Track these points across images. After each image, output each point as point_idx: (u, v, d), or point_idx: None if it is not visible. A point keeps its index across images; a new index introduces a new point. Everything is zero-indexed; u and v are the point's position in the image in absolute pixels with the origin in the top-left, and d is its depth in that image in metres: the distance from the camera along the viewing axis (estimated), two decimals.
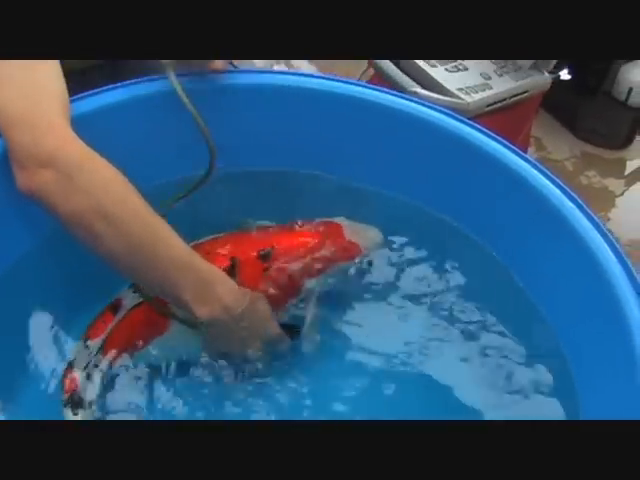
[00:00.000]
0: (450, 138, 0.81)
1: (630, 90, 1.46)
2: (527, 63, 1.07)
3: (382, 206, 0.88)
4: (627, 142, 1.56)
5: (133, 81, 0.80)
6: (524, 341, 0.78)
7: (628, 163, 1.54)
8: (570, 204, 0.73)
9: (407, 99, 0.84)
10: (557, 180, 0.75)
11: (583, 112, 1.53)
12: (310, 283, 0.80)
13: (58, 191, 0.64)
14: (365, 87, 0.85)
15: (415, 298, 0.83)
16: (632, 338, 0.63)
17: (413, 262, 0.85)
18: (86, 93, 0.76)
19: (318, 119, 0.86)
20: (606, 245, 0.69)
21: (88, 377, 0.72)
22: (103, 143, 0.68)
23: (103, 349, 0.73)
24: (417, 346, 0.78)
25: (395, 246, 0.86)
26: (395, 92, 0.85)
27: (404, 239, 0.86)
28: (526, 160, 0.77)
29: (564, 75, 1.13)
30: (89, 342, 0.73)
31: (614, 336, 0.65)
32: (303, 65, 1.75)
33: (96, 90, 0.78)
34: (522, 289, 0.80)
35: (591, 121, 1.54)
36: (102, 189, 0.65)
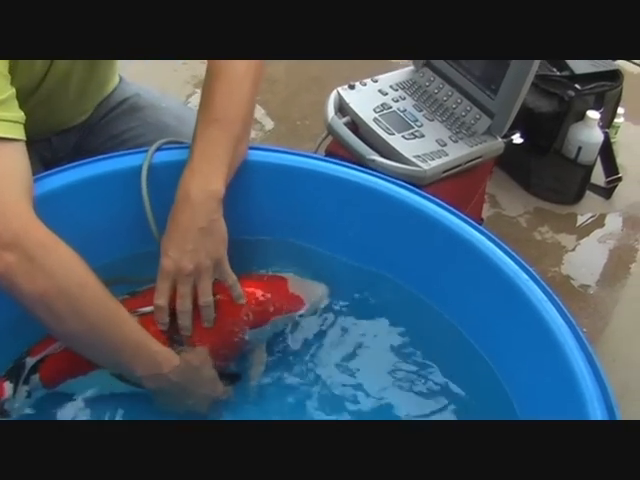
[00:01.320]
0: (401, 207, 0.85)
1: (579, 149, 1.52)
2: (481, 129, 1.11)
3: (331, 267, 0.90)
4: (578, 197, 1.61)
5: (89, 160, 0.82)
6: (478, 402, 0.80)
7: (579, 217, 1.59)
8: (525, 276, 0.76)
9: (355, 169, 0.87)
10: (511, 252, 0.78)
11: (536, 170, 1.58)
12: (252, 333, 0.81)
13: (22, 272, 0.67)
14: (310, 157, 0.89)
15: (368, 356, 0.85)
16: (585, 405, 0.66)
17: (365, 320, 0.88)
18: (46, 173, 0.78)
19: (271, 191, 0.89)
20: (558, 314, 0.73)
21: (15, 391, 0.74)
22: (61, 221, 0.71)
23: (37, 369, 0.75)
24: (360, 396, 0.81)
25: (347, 303, 0.88)
26: (344, 163, 0.88)
27: (355, 298, 0.89)
28: (482, 232, 0.80)
29: (517, 139, 1.16)
30: (27, 359, 0.75)
31: (568, 403, 0.68)
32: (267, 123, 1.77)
33: (56, 169, 0.79)
34: (478, 352, 0.82)
35: (543, 179, 1.59)
36: (64, 271, 0.68)
